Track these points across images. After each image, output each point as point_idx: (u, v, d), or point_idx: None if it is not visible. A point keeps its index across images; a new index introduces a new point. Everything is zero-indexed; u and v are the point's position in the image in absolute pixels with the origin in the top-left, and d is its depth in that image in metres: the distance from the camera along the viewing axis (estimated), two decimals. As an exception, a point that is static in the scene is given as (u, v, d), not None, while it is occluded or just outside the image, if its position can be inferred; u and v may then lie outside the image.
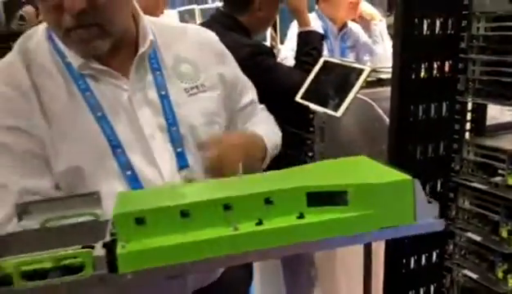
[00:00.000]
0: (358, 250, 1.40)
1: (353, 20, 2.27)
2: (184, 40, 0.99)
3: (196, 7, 3.79)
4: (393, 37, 0.88)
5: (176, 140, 0.90)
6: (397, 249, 0.96)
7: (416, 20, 0.87)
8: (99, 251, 0.57)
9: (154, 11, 1.85)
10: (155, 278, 0.60)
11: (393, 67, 0.88)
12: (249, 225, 0.62)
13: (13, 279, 0.54)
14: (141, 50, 0.90)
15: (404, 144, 0.90)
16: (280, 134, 1.14)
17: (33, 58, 0.87)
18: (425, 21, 0.88)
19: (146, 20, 0.95)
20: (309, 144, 1.43)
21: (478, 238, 0.92)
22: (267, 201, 0.64)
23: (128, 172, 0.85)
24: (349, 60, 1.83)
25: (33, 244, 0.59)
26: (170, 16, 4.46)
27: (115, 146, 0.85)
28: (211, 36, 1.06)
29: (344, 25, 2.22)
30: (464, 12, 0.90)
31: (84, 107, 0.86)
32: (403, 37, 0.87)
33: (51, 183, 0.83)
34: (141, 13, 0.95)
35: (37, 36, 0.90)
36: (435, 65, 0.90)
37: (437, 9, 0.88)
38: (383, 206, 0.66)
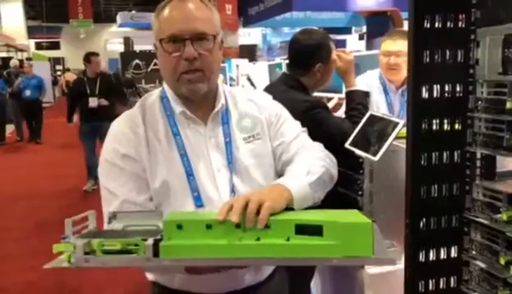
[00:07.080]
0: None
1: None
2: (248, 102, 1.33)
3: (283, 61, 4.31)
4: (408, 100, 1.12)
5: (232, 173, 1.22)
6: (417, 273, 1.16)
7: (427, 85, 1.10)
8: (149, 242, 0.89)
9: None
10: (182, 265, 0.90)
11: (408, 123, 1.11)
12: (250, 240, 0.90)
13: (96, 252, 0.88)
14: (216, 109, 1.26)
15: (417, 184, 1.12)
16: (323, 164, 1.24)
17: (147, 111, 1.26)
18: (435, 86, 1.11)
19: (222, 88, 1.30)
20: (359, 184, 1.66)
21: (483, 266, 1.10)
22: (266, 226, 0.90)
23: (195, 193, 1.19)
24: (390, 115, 2.02)
25: (115, 236, 0.94)
26: (262, 67, 5.00)
27: (189, 174, 1.19)
28: (267, 100, 1.37)
29: (404, 82, 2.40)
30: (470, 80, 1.11)
31: (174, 145, 1.22)
32: (416, 99, 1.10)
33: (145, 197, 1.18)
34: (221, 84, 1.30)
35: (154, 96, 1.30)
36: (446, 121, 1.12)
37: (448, 77, 1.11)
38: (347, 239, 0.88)
